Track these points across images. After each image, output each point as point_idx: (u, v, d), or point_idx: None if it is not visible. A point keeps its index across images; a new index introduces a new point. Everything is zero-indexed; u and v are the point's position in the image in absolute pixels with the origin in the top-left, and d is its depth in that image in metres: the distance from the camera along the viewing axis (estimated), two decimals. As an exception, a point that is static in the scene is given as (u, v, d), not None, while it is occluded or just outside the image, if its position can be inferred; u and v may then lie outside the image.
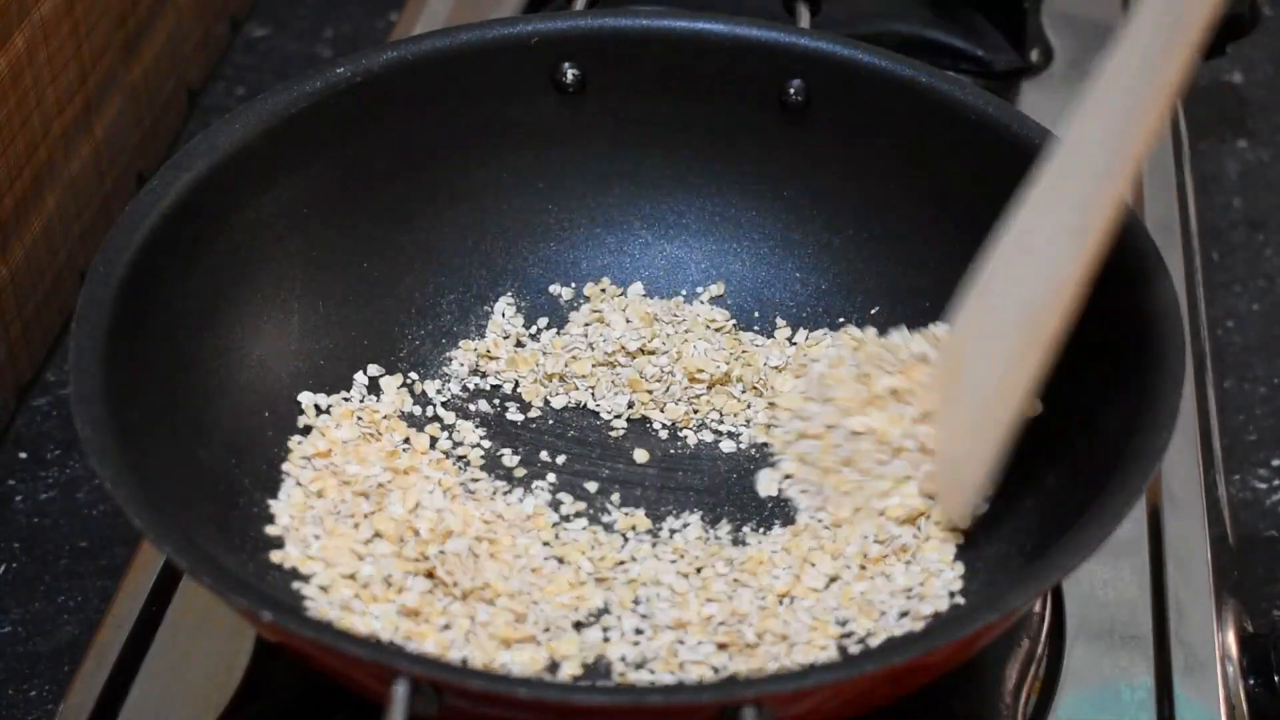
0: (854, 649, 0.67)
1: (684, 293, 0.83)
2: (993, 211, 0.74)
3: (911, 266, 0.79)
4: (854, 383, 0.74)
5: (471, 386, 0.79)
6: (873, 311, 0.80)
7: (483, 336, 0.81)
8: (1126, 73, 0.65)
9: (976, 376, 0.70)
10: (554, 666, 0.66)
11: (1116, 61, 0.65)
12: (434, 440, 0.76)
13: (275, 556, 0.69)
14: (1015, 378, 0.68)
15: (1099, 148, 0.66)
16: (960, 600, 0.69)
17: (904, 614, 0.68)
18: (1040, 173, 0.68)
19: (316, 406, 0.75)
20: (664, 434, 0.78)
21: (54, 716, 0.71)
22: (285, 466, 0.73)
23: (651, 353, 0.80)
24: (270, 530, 0.70)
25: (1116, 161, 0.65)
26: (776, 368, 0.79)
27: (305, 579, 0.68)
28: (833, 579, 0.70)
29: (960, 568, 0.70)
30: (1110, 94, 0.65)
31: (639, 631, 0.68)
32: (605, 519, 0.74)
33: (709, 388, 0.79)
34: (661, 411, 0.78)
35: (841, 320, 0.81)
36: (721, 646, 0.67)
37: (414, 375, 0.79)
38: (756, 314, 0.82)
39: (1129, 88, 0.65)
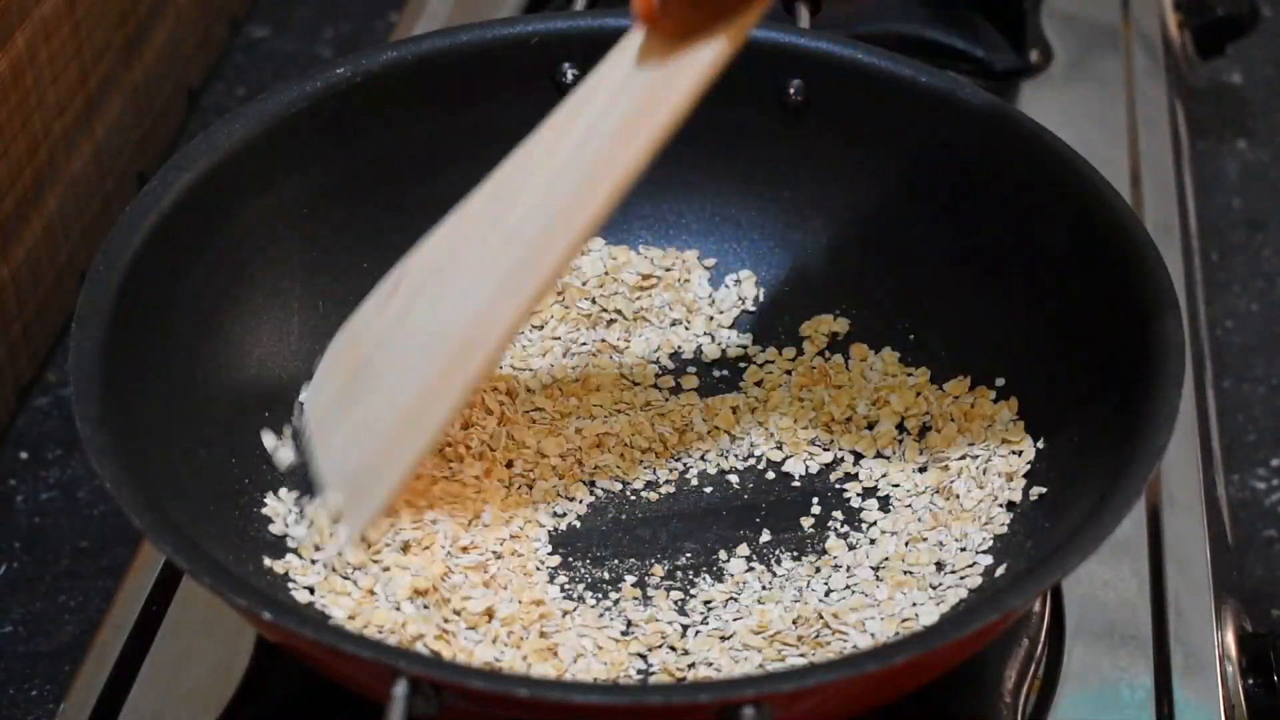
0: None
1: (684, 293, 0.83)
2: (993, 211, 0.74)
3: (911, 267, 0.79)
4: None
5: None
6: (872, 311, 0.80)
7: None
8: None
9: (388, 396, 0.68)
10: None
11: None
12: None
13: (275, 558, 0.69)
14: (432, 409, 0.67)
15: (553, 186, 0.65)
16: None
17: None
18: (475, 198, 0.67)
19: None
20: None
21: (54, 716, 0.71)
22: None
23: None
24: (272, 530, 0.70)
25: (564, 217, 0.65)
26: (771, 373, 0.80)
27: (304, 580, 0.69)
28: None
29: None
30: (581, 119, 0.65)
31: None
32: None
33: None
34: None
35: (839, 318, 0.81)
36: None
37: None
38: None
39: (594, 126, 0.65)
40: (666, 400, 0.79)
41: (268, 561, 0.69)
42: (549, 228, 0.65)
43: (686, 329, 0.82)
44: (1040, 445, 0.73)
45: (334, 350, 0.72)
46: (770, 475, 0.76)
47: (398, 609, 0.67)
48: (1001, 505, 0.71)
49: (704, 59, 0.64)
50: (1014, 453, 0.73)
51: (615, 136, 0.64)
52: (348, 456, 0.70)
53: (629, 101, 0.65)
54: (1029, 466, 0.72)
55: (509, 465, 0.75)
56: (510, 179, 0.67)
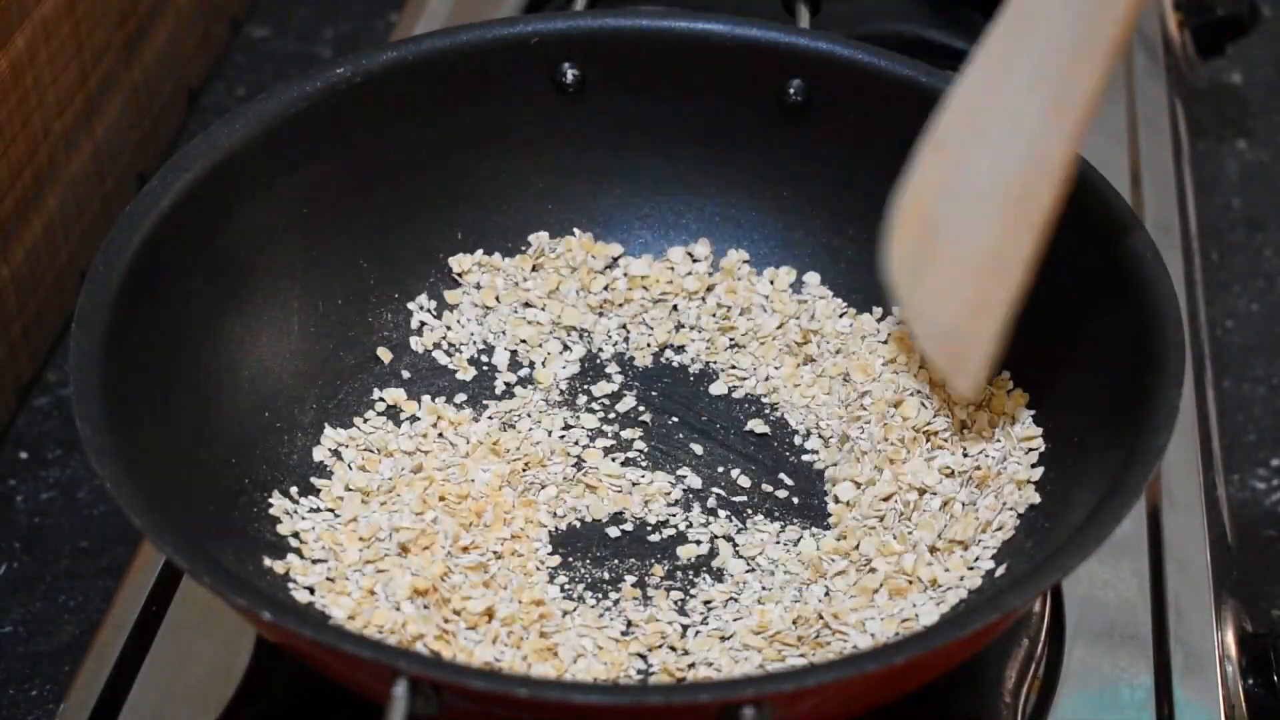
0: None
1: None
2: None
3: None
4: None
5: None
6: (872, 311, 0.80)
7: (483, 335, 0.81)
8: None
9: (962, 247, 0.69)
10: None
11: None
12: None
13: (275, 558, 0.69)
14: (1011, 252, 0.67)
15: (1066, 19, 0.64)
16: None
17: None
18: (998, 29, 0.66)
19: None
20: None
21: (54, 716, 0.71)
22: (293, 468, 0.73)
23: None
24: (275, 531, 0.70)
25: (1090, 36, 0.63)
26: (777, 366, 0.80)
27: (305, 580, 0.69)
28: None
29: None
30: None
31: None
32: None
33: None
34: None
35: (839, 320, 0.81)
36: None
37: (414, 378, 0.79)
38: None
39: None
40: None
41: (268, 561, 0.69)
42: (1074, 51, 0.64)
43: (688, 329, 0.82)
44: (1042, 446, 0.73)
45: (899, 218, 0.71)
46: (782, 481, 0.76)
47: (397, 609, 0.67)
48: (1011, 510, 0.71)
49: None
50: (1029, 450, 0.72)
51: None
52: (938, 318, 0.70)
53: None
54: (1041, 472, 0.72)
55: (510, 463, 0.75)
56: (1015, 24, 0.66)
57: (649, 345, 0.81)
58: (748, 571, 0.72)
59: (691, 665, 0.68)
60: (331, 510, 0.72)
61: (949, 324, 0.70)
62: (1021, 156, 0.66)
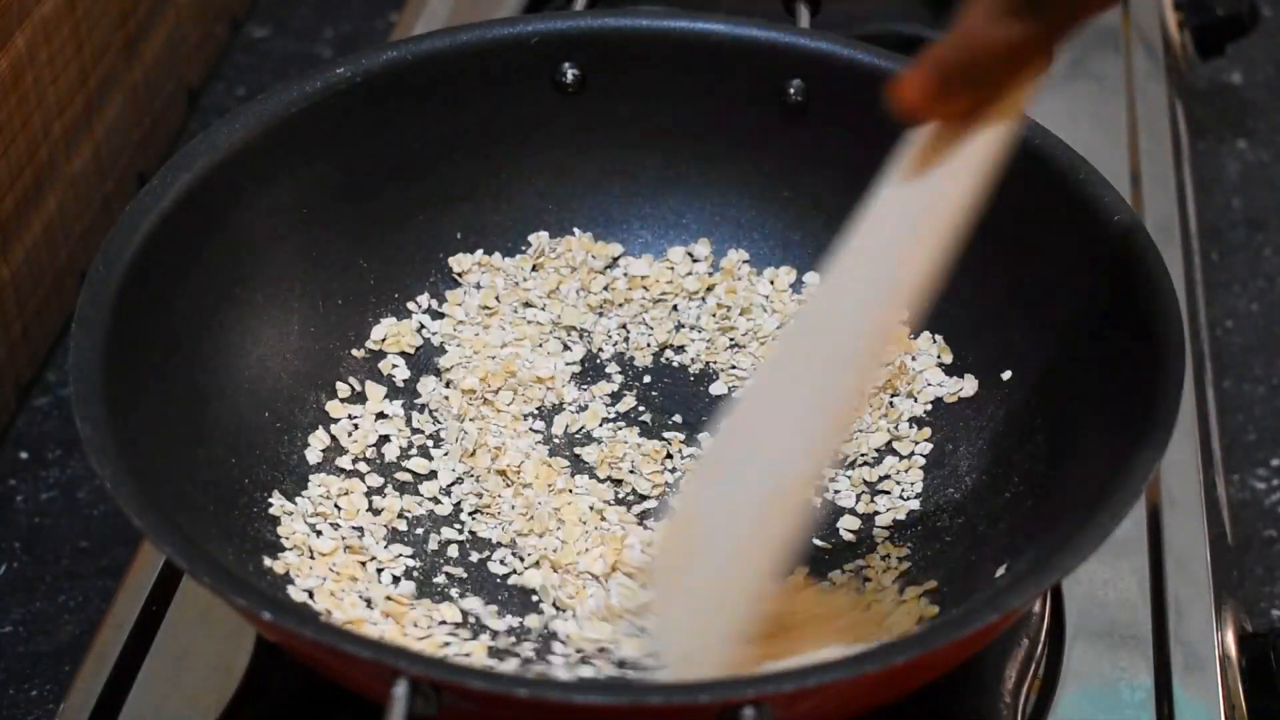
0: None
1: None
2: (991, 211, 0.74)
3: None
4: None
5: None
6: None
7: (483, 335, 0.81)
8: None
9: (714, 550, 0.64)
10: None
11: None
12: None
13: (274, 558, 0.69)
14: (744, 575, 0.63)
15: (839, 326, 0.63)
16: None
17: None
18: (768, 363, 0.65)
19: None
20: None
21: (54, 716, 0.71)
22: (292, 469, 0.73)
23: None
24: (275, 531, 0.70)
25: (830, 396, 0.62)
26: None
27: (303, 580, 0.69)
28: None
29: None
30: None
31: None
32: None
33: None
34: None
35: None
36: None
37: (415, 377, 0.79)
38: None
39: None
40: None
41: (268, 561, 0.69)
42: (831, 384, 0.62)
43: (688, 329, 0.82)
44: (1042, 446, 0.73)
45: (665, 530, 0.69)
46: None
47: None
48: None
49: (984, 147, 0.60)
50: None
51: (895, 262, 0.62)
52: (685, 629, 0.66)
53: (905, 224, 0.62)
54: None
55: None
56: (801, 334, 0.65)
57: (649, 345, 0.81)
58: None
59: None
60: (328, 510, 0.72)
61: (691, 636, 0.65)
62: (770, 480, 0.63)
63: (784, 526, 0.62)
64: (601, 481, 0.75)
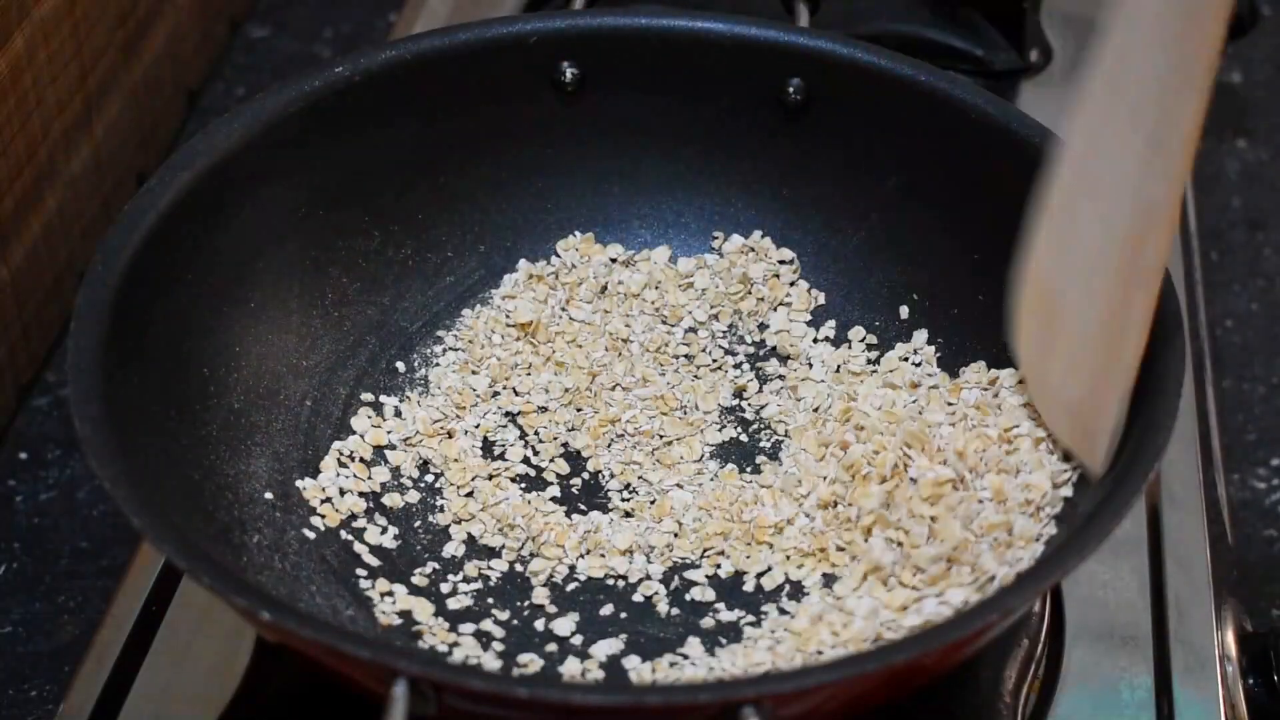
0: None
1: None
2: (992, 211, 0.74)
3: (911, 267, 0.79)
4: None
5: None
6: (872, 310, 0.80)
7: (482, 335, 0.81)
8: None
9: (1083, 316, 0.67)
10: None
11: None
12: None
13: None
14: (1128, 314, 0.65)
15: (1157, 50, 0.62)
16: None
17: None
18: (1089, 85, 0.64)
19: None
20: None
21: (54, 716, 0.71)
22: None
23: None
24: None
25: (1182, 63, 0.61)
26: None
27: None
28: None
29: None
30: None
31: None
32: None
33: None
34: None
35: (841, 320, 0.81)
36: None
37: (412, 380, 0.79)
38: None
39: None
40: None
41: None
42: (1167, 88, 0.62)
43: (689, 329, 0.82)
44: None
45: (1022, 297, 0.70)
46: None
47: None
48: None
49: None
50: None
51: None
52: (1063, 394, 0.68)
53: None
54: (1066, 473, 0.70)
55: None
56: (1106, 70, 0.64)
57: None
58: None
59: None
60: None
61: (1075, 399, 0.68)
62: (1129, 207, 0.64)
63: (1158, 247, 0.63)
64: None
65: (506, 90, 0.80)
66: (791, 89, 0.80)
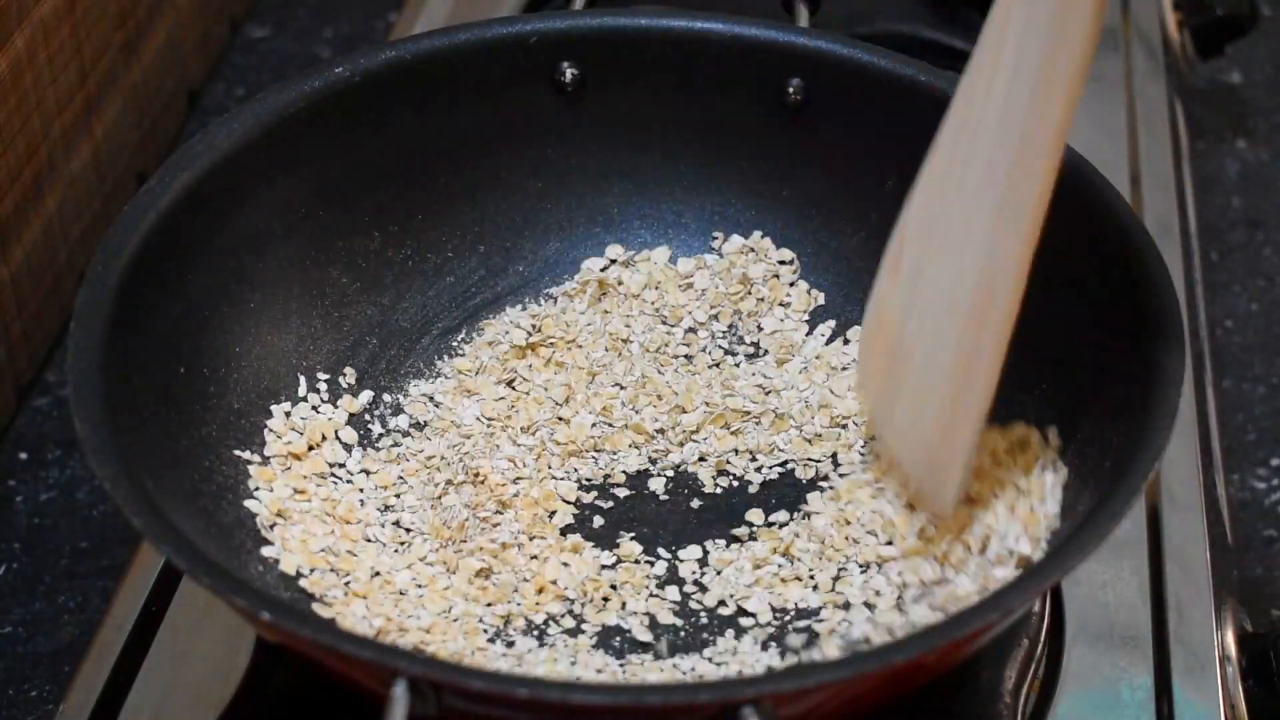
0: None
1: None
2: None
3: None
4: None
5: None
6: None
7: (482, 335, 0.81)
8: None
9: (928, 367, 0.67)
10: None
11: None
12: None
13: (268, 552, 0.69)
14: (974, 367, 0.66)
15: (1011, 107, 0.63)
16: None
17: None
18: (943, 133, 0.65)
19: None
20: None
21: (54, 716, 0.71)
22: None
23: None
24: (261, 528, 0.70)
25: (1036, 123, 0.62)
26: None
27: (301, 578, 0.69)
28: None
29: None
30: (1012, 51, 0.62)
31: None
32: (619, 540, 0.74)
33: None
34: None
35: (841, 320, 0.81)
36: None
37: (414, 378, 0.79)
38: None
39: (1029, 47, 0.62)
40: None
41: (267, 561, 0.69)
42: (1017, 153, 0.63)
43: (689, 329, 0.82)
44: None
45: (865, 342, 0.71)
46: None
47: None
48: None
49: None
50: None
51: (1048, 43, 0.61)
52: (912, 442, 0.69)
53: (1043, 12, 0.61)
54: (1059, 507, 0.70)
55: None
56: (962, 119, 0.65)
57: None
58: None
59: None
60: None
61: (923, 447, 0.69)
62: (977, 265, 0.65)
63: (1005, 304, 0.64)
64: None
65: (506, 90, 0.80)
66: (791, 89, 0.80)
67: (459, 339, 0.80)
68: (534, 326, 0.80)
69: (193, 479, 0.68)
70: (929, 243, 0.67)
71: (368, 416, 0.77)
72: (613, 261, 0.83)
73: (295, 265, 0.76)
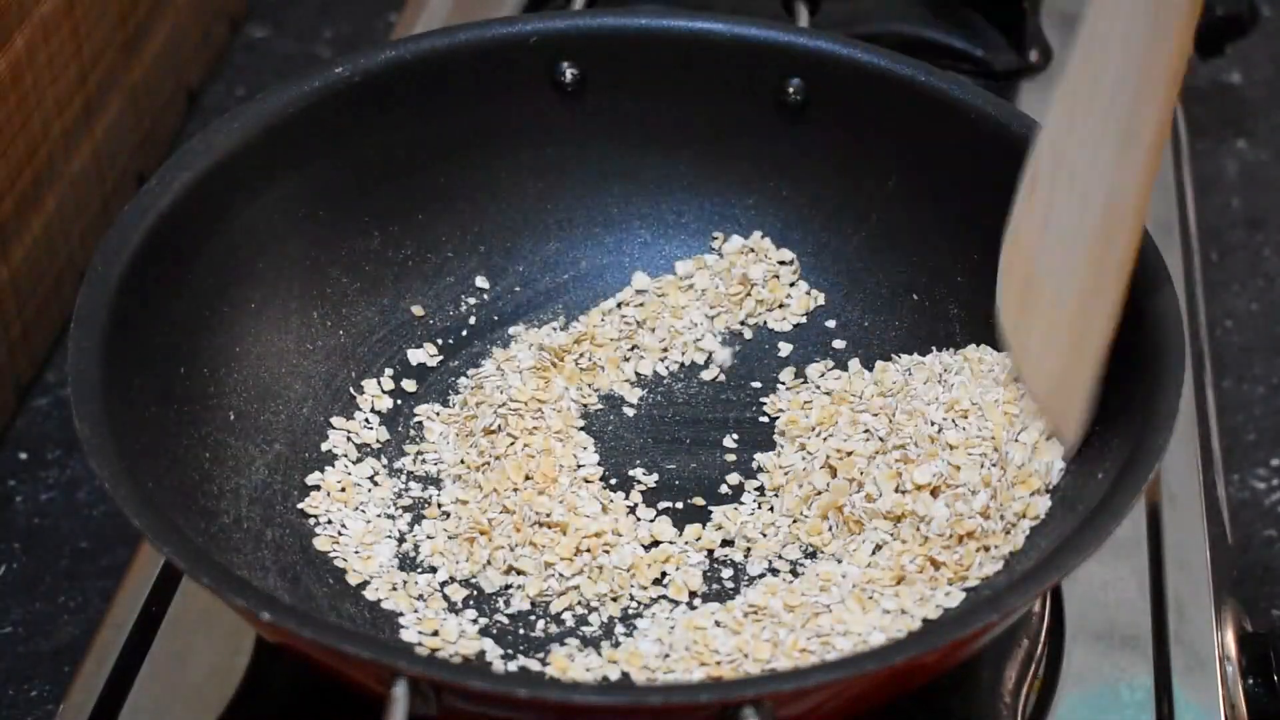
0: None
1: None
2: (992, 210, 0.74)
3: (911, 267, 0.79)
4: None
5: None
6: (873, 311, 0.80)
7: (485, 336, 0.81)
8: None
9: (1058, 291, 0.68)
10: None
11: None
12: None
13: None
14: (1100, 293, 0.67)
15: (1125, 47, 0.63)
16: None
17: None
18: (1071, 67, 0.66)
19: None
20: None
21: (54, 716, 0.71)
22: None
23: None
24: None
25: (1150, 67, 0.63)
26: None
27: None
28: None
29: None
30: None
31: None
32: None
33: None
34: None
35: (841, 320, 0.81)
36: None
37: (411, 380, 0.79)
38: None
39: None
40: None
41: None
42: (1139, 85, 0.63)
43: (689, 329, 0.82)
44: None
45: (1004, 266, 0.71)
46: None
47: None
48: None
49: None
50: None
51: None
52: (1042, 365, 0.70)
53: None
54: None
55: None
56: (1084, 62, 0.65)
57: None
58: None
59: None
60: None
61: (1052, 371, 0.70)
62: (1101, 195, 0.66)
63: (1126, 235, 0.65)
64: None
65: (506, 90, 0.80)
66: (791, 89, 0.80)
67: (458, 338, 0.80)
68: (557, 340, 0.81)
69: (193, 479, 0.68)
70: (1058, 167, 0.67)
71: (368, 417, 0.77)
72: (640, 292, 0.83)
73: (295, 265, 0.77)
